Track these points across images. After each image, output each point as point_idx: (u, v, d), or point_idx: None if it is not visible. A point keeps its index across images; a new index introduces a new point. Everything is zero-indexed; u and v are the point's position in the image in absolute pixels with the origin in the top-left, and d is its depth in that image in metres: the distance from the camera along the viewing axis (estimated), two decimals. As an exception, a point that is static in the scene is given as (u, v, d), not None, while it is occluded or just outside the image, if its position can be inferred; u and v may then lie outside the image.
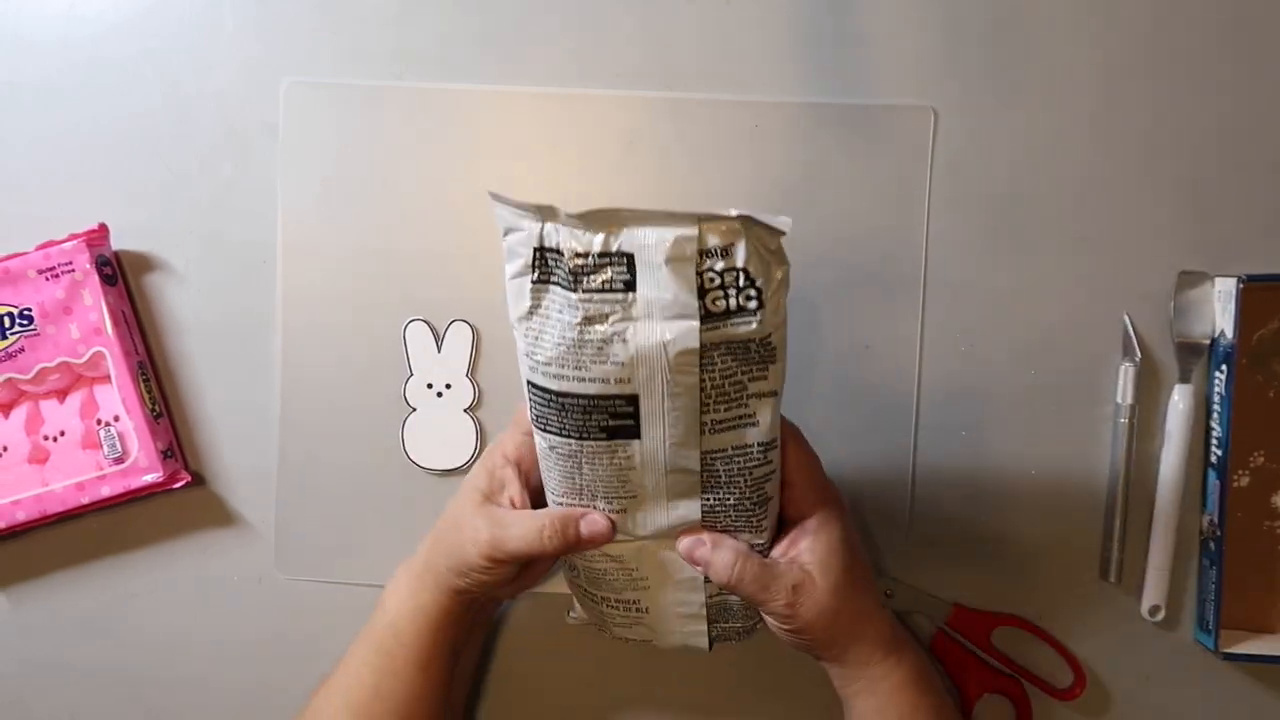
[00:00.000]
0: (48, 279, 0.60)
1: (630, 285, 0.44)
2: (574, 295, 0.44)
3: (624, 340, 0.44)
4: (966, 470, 0.62)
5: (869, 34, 0.62)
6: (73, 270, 0.60)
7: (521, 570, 0.53)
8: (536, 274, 0.45)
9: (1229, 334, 0.59)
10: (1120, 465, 0.61)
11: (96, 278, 0.60)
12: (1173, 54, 0.62)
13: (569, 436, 0.48)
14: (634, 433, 0.47)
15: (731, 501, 0.49)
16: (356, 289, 0.63)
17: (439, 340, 0.63)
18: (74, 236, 0.61)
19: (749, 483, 0.49)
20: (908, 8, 0.62)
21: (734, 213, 0.43)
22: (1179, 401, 0.60)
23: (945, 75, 0.62)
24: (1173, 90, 0.62)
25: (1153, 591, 0.61)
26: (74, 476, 0.61)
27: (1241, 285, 0.59)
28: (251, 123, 0.63)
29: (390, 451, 0.63)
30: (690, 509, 0.50)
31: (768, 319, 0.44)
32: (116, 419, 0.62)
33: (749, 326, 0.44)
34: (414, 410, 0.63)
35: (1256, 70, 0.61)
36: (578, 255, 0.44)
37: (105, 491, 0.60)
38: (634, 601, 0.54)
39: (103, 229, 0.62)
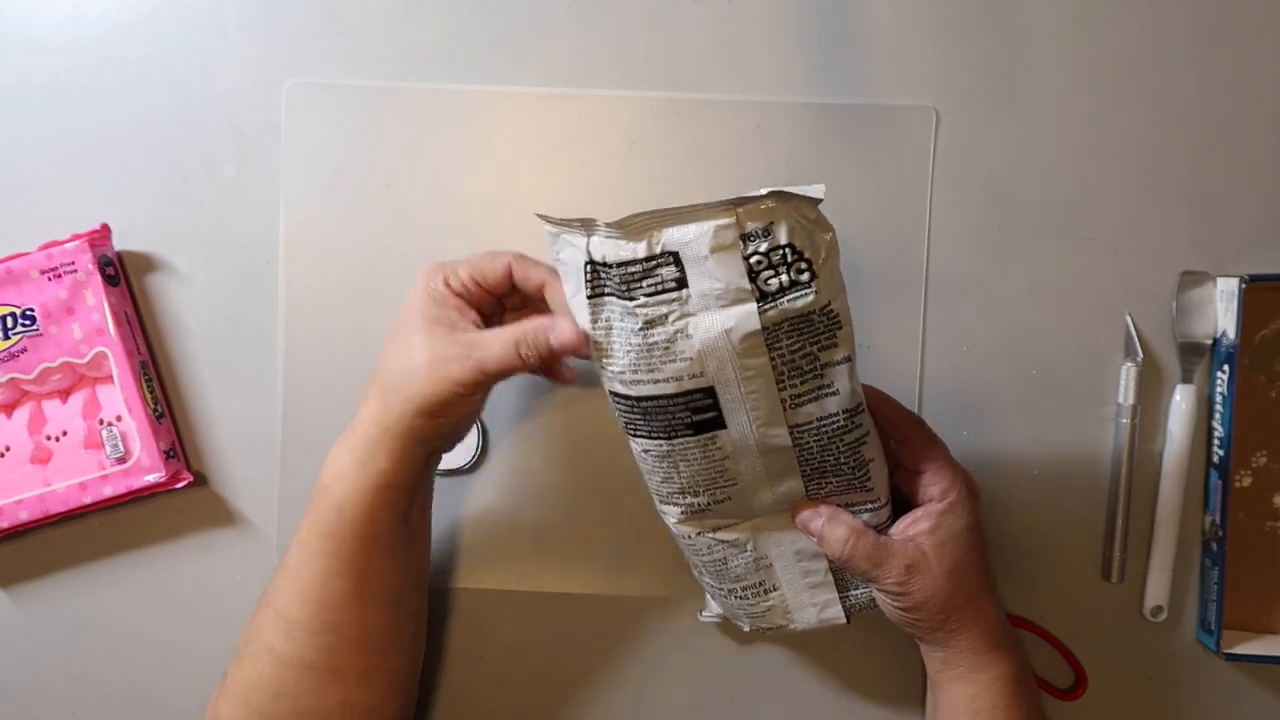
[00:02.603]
0: (50, 279, 0.60)
1: (681, 282, 0.44)
2: (630, 303, 0.45)
3: (688, 336, 0.45)
4: (968, 470, 0.62)
5: (870, 34, 0.62)
6: (75, 270, 0.60)
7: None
8: (590, 289, 0.46)
9: (1231, 334, 0.59)
10: (1122, 465, 0.61)
11: (99, 278, 0.60)
12: (1175, 52, 0.62)
13: (659, 438, 0.49)
14: (719, 423, 0.48)
15: (830, 469, 0.50)
16: (359, 289, 0.63)
17: (441, 340, 0.63)
18: (76, 237, 0.61)
19: (843, 449, 0.49)
20: (908, 8, 0.62)
21: (765, 191, 0.43)
22: (1181, 401, 0.60)
23: (945, 75, 0.62)
24: (1175, 89, 0.62)
25: (1155, 592, 0.61)
26: (76, 476, 0.61)
27: (1244, 285, 0.59)
28: (255, 123, 0.63)
29: (392, 451, 0.63)
30: (793, 484, 0.51)
31: (823, 288, 0.45)
32: (119, 419, 0.62)
33: (807, 299, 0.45)
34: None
35: (1260, 69, 0.61)
36: (624, 264, 0.44)
37: (108, 491, 0.60)
38: (760, 583, 0.55)
39: (105, 229, 0.62)
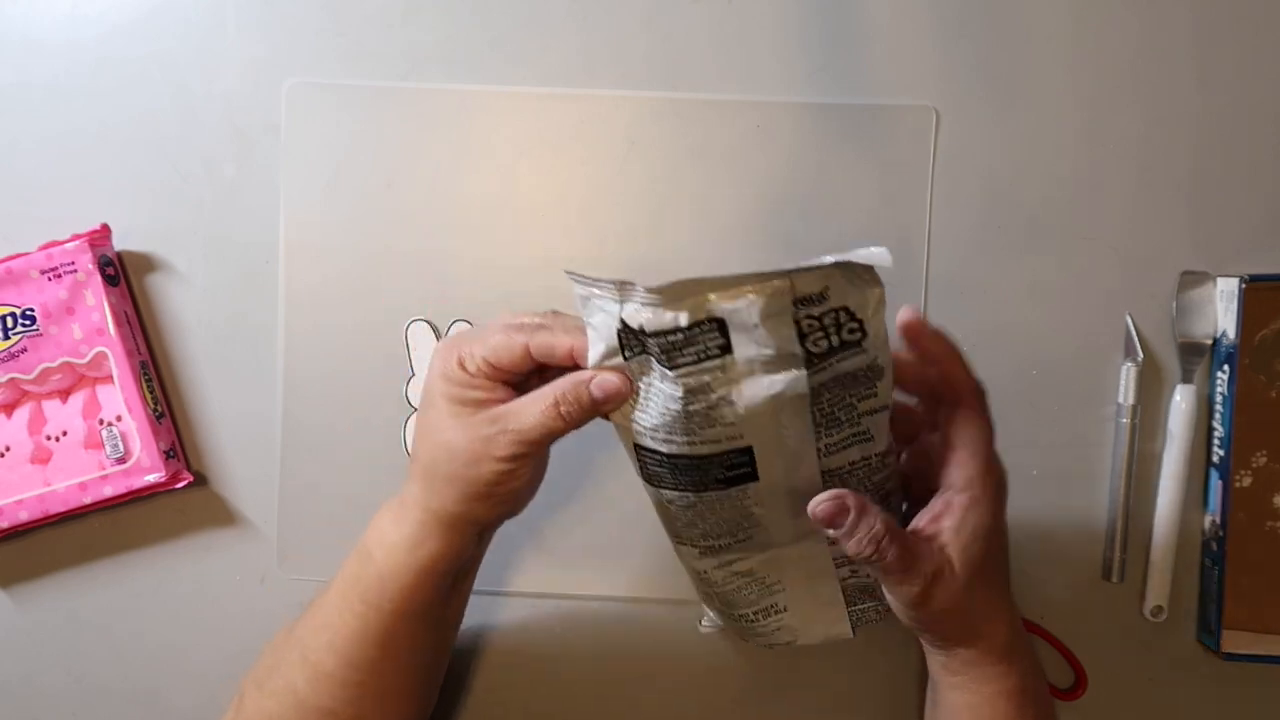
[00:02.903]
0: (50, 279, 0.60)
1: (725, 348, 0.41)
2: (671, 372, 0.42)
3: (730, 403, 0.42)
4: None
5: (870, 34, 0.62)
6: (75, 270, 0.60)
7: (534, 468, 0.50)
8: (627, 352, 0.43)
9: (1231, 334, 0.59)
10: (1122, 465, 0.61)
11: (99, 278, 0.60)
12: (1175, 52, 0.62)
13: (686, 491, 0.46)
14: (752, 476, 0.45)
15: None
16: (359, 289, 0.63)
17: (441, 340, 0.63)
18: (76, 237, 0.61)
19: (870, 486, 0.47)
20: (908, 8, 0.62)
21: (829, 260, 0.40)
22: (1181, 402, 0.60)
23: (945, 75, 0.62)
24: (1175, 89, 0.62)
25: (1155, 592, 0.61)
26: (76, 476, 0.61)
27: (1244, 285, 0.59)
28: (255, 123, 0.63)
29: (393, 451, 0.63)
30: None
31: (872, 346, 0.43)
32: (119, 419, 0.62)
33: (857, 359, 0.42)
34: (416, 410, 0.63)
35: (1260, 69, 0.61)
36: (664, 333, 0.41)
37: (108, 491, 0.60)
38: (771, 606, 0.54)
39: (105, 229, 0.62)
